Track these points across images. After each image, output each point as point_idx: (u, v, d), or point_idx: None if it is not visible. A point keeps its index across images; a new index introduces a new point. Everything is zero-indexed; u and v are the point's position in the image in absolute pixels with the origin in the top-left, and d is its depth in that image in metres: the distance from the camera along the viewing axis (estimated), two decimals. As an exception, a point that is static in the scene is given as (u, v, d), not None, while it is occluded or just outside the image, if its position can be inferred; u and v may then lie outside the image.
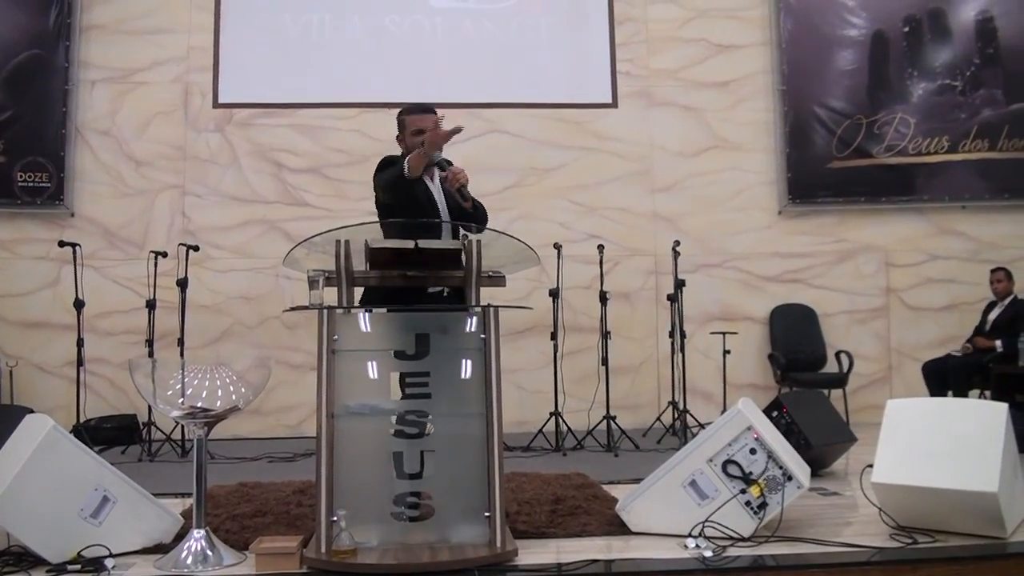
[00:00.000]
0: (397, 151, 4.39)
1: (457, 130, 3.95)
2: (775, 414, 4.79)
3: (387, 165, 4.22)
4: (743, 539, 3.34)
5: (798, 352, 7.42)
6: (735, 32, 7.89)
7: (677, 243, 6.75)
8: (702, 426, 6.23)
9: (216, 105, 7.49)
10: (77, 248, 6.21)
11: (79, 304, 6.17)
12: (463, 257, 3.42)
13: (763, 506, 3.40)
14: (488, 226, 3.92)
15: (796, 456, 3.70)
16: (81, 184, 7.34)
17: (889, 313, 7.76)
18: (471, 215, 4.12)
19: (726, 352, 6.70)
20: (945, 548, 3.24)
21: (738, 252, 7.70)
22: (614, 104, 7.74)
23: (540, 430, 6.38)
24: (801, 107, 7.82)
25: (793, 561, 3.15)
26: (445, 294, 3.77)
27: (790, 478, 3.43)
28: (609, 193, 7.64)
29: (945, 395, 6.66)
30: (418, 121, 4.23)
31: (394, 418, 3.27)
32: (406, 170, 3.92)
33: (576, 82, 7.77)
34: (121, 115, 7.42)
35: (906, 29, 7.86)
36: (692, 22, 7.86)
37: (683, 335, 6.58)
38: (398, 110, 4.32)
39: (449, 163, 4.10)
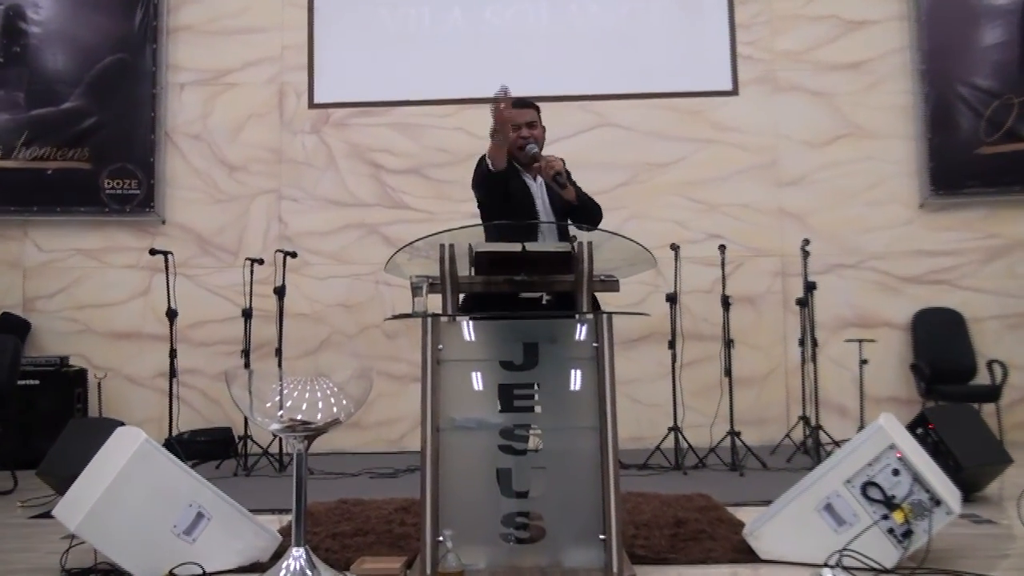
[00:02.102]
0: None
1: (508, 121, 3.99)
2: (920, 431, 4.71)
3: (482, 163, 4.29)
4: (885, 571, 3.26)
5: (944, 362, 7.16)
6: (868, 7, 7.69)
7: (806, 242, 6.60)
8: (837, 444, 6.09)
9: (312, 105, 7.68)
10: (169, 256, 6.33)
11: (172, 314, 6.30)
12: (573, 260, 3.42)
13: (908, 534, 3.31)
14: (599, 226, 3.91)
15: (944, 478, 3.60)
16: (172, 190, 7.61)
17: (1048, 317, 7.46)
18: (579, 211, 4.12)
19: (863, 362, 6.53)
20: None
21: (875, 251, 7.50)
22: (735, 91, 7.64)
23: (658, 446, 6.33)
24: (944, 88, 7.55)
25: (943, 595, 3.07)
26: (545, 302, 3.69)
27: (938, 503, 3.34)
28: (730, 188, 7.54)
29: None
30: (516, 116, 4.30)
31: (501, 432, 3.29)
32: (490, 165, 3.99)
33: (692, 69, 7.69)
34: (213, 118, 7.68)
35: (1061, -7, 7.54)
36: (820, -2, 7.71)
37: (814, 343, 6.44)
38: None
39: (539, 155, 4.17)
